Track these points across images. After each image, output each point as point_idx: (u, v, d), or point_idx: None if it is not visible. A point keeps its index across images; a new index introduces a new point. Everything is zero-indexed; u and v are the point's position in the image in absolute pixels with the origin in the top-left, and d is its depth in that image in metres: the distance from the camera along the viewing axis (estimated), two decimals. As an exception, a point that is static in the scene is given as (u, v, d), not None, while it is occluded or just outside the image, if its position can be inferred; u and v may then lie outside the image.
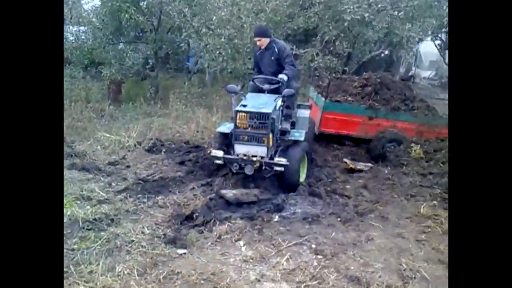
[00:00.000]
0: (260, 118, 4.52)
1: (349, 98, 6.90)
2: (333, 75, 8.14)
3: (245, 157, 4.59)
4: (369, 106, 6.61)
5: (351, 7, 7.80)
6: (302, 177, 5.06)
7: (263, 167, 4.62)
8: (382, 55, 12.72)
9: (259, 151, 4.59)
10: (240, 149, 4.65)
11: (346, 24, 8.18)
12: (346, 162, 6.00)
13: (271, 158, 4.67)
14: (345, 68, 9.22)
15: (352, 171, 5.81)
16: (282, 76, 5.05)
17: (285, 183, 4.77)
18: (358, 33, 8.91)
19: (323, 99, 6.62)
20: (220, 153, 4.69)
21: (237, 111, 4.59)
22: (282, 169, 4.59)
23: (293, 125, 5.43)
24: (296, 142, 4.96)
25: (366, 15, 8.09)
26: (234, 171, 4.71)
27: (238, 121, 4.58)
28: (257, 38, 5.37)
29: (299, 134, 5.06)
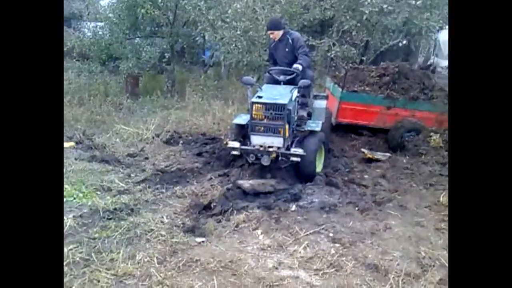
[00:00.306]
0: (276, 109, 4.51)
1: (367, 88, 6.81)
2: (350, 65, 8.05)
3: (261, 148, 4.60)
4: (387, 96, 6.52)
5: (369, -1, 7.68)
6: (319, 168, 5.04)
7: (280, 158, 4.63)
8: (400, 44, 12.50)
9: (275, 142, 4.59)
10: (257, 140, 4.66)
11: (365, 17, 8.06)
12: (364, 152, 5.96)
13: (288, 148, 4.67)
14: (363, 58, 9.10)
15: (370, 161, 5.76)
16: (297, 66, 5.05)
17: (302, 173, 4.77)
18: (376, 21, 8.77)
19: (340, 89, 6.57)
20: (236, 144, 4.71)
21: (253, 103, 4.59)
22: (299, 159, 4.58)
23: (309, 115, 5.40)
24: (312, 132, 4.95)
25: (385, 6, 7.96)
26: (251, 162, 4.72)
27: (254, 112, 4.59)
28: (269, 32, 5.39)
29: (315, 125, 5.05)
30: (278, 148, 4.60)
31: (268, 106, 4.54)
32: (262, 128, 4.62)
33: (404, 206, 4.25)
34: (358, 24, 8.44)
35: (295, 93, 4.95)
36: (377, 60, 9.84)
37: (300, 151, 4.60)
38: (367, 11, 7.84)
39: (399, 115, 6.47)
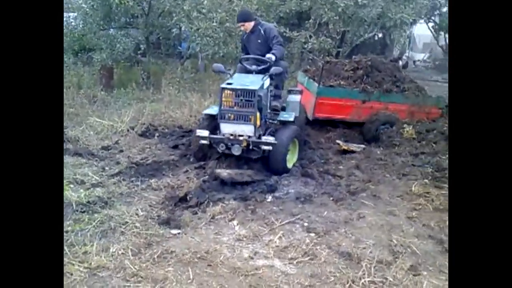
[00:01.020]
0: (247, 95, 4.39)
1: (342, 82, 6.80)
2: (326, 58, 8.09)
3: (231, 137, 4.48)
4: (362, 90, 6.58)
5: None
6: (291, 162, 4.93)
7: (250, 147, 4.52)
8: (376, 38, 12.69)
9: (246, 130, 4.48)
10: (226, 128, 4.54)
11: (340, 9, 8.13)
12: (339, 144, 6.03)
13: (259, 138, 4.60)
14: (339, 50, 9.19)
15: (345, 152, 5.84)
16: (270, 56, 4.99)
17: (272, 166, 4.66)
18: (352, 13, 8.85)
19: (316, 84, 6.59)
20: (205, 133, 4.58)
21: (223, 88, 4.48)
22: (270, 148, 4.48)
23: (284, 109, 5.38)
24: (285, 124, 4.91)
25: None
26: (221, 151, 4.61)
27: (223, 99, 4.47)
28: (240, 24, 5.34)
29: (288, 115, 5.01)
30: (249, 136, 4.48)
31: (238, 92, 4.43)
32: (232, 116, 4.50)
33: (377, 195, 4.34)
34: (336, 17, 8.51)
35: (267, 82, 4.88)
36: (353, 53, 9.97)
37: (271, 139, 4.49)
38: (342, 4, 7.92)
39: (373, 108, 6.56)
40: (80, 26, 9.92)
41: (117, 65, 10.27)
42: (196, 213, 3.82)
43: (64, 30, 9.73)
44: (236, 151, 4.47)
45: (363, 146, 6.10)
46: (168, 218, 3.63)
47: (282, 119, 4.97)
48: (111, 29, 10.38)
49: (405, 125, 6.19)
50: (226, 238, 3.38)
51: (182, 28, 10.40)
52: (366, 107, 6.58)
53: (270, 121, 5.05)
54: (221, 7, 8.28)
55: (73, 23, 10.07)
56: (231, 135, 4.51)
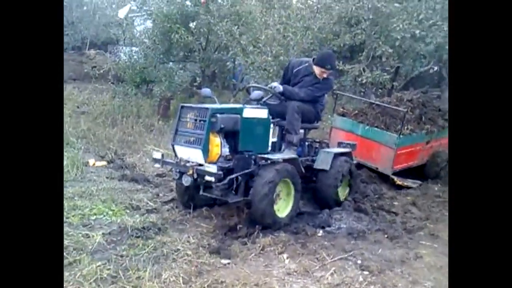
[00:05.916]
0: (200, 114, 3.94)
1: (409, 127, 6.23)
2: (379, 90, 7.93)
3: (182, 163, 3.98)
4: (429, 131, 6.25)
5: (400, 24, 7.63)
6: (284, 212, 4.21)
7: (195, 176, 3.87)
8: (431, 71, 12.35)
9: (195, 155, 3.91)
10: (180, 152, 4.10)
11: (397, 43, 8.01)
12: (393, 179, 5.83)
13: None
14: (394, 83, 9.04)
15: (399, 187, 5.64)
16: (275, 85, 4.55)
17: (253, 212, 4.02)
18: (408, 47, 8.72)
19: (392, 134, 5.89)
20: (158, 155, 4.27)
21: (182, 107, 4.18)
22: (212, 179, 3.78)
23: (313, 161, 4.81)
24: (272, 162, 4.09)
25: (417, 31, 7.92)
26: (176, 179, 4.20)
27: (181, 118, 4.11)
28: (323, 70, 4.59)
29: (280, 155, 4.27)
30: (200, 165, 3.88)
31: (196, 112, 3.99)
32: (185, 138, 4.05)
33: (435, 235, 4.13)
34: (390, 50, 8.41)
35: (255, 112, 4.22)
36: (407, 86, 9.76)
37: (213, 168, 3.77)
38: (399, 36, 7.81)
39: (432, 147, 6.32)
40: (142, 59, 10.51)
41: (175, 96, 10.73)
42: (246, 243, 3.81)
43: (127, 63, 10.40)
44: (185, 181, 3.92)
45: (419, 182, 5.87)
46: (219, 247, 3.64)
47: (266, 156, 4.15)
48: (170, 63, 10.93)
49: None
50: (276, 271, 3.32)
51: (236, 62, 10.74)
52: (428, 148, 6.32)
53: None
54: (276, 41, 8.48)
55: (135, 57, 10.71)
56: (183, 161, 4.01)
